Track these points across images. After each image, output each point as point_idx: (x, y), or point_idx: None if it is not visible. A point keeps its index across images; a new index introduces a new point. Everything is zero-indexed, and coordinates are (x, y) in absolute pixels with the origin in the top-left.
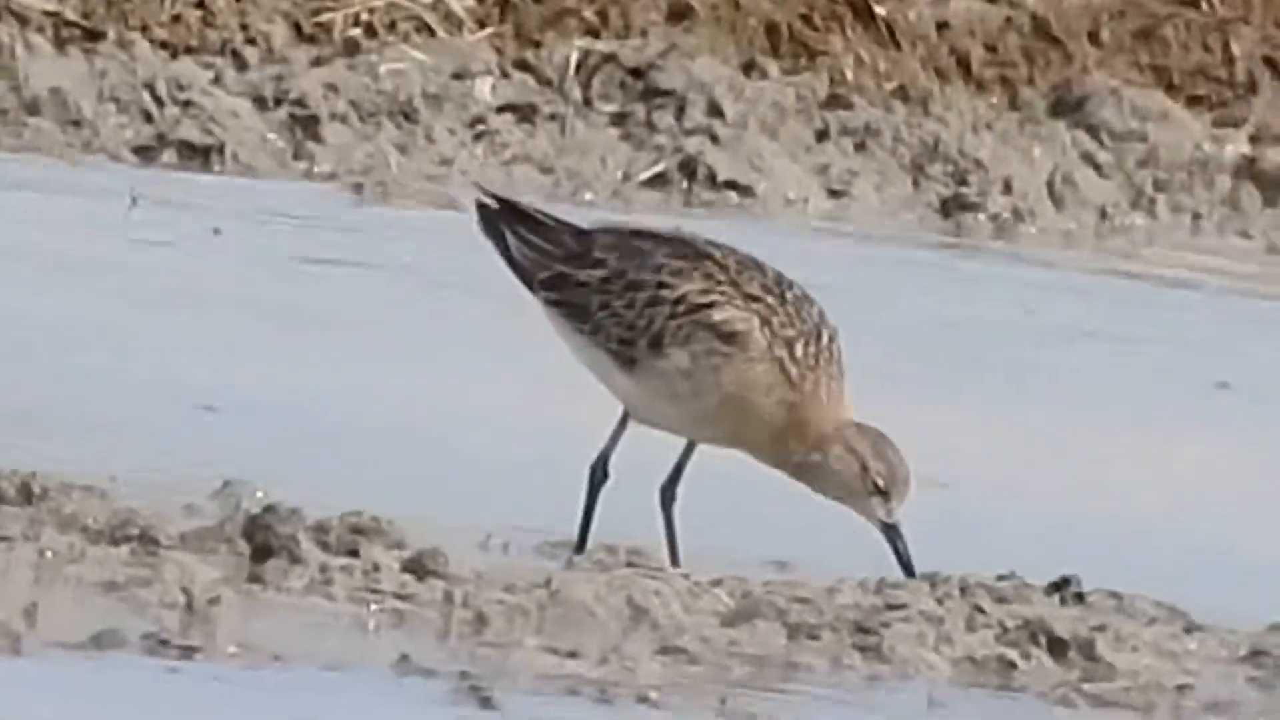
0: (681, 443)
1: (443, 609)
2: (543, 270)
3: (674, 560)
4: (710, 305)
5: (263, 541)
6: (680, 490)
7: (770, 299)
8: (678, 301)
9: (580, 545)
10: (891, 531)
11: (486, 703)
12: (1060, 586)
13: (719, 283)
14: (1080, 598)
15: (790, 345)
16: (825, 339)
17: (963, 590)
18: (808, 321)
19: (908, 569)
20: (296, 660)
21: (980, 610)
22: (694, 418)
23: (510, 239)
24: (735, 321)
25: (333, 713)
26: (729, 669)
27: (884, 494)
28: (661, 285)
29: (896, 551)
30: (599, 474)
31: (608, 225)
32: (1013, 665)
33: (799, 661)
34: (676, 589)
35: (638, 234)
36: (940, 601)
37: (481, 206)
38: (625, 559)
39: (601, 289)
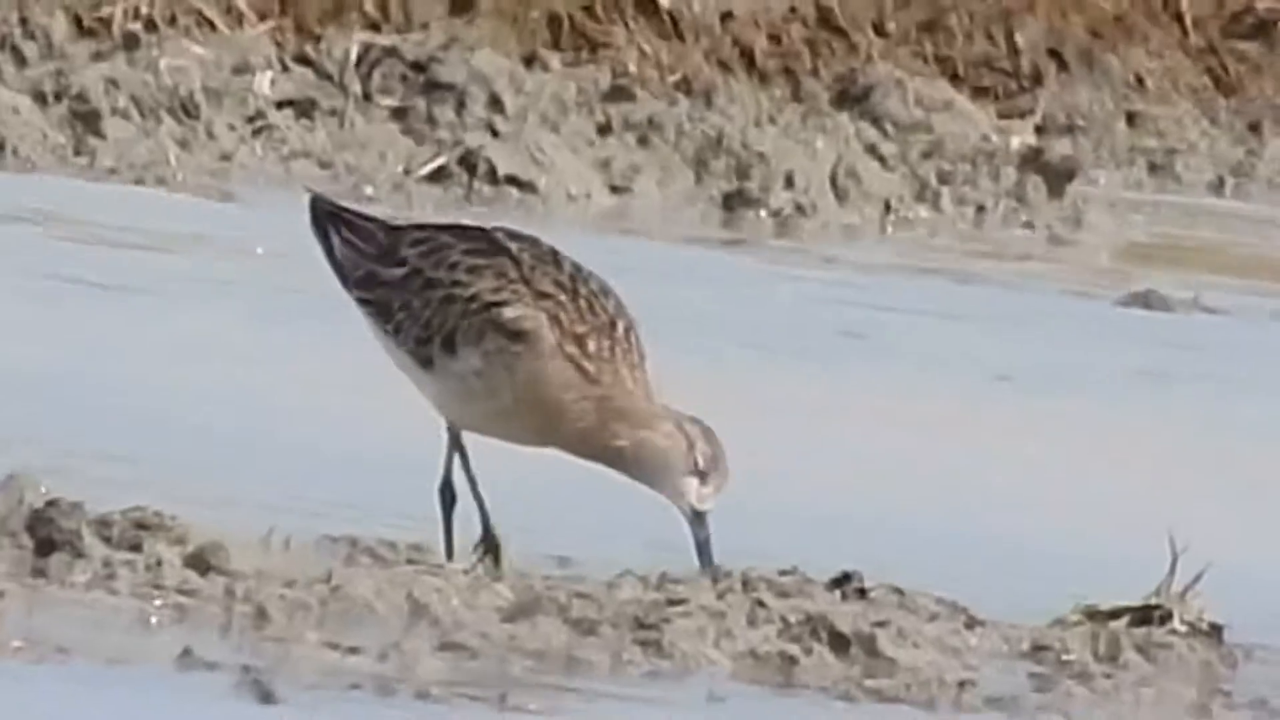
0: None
1: (224, 604)
2: (356, 269)
3: (448, 548)
4: (501, 304)
5: (46, 536)
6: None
7: (562, 296)
8: (470, 300)
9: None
10: (699, 520)
11: (268, 697)
12: (842, 582)
13: (511, 280)
14: (862, 593)
15: (581, 341)
16: (620, 330)
17: (745, 585)
18: (600, 315)
19: (707, 561)
20: (80, 654)
21: (762, 605)
22: (493, 416)
23: (334, 239)
24: (523, 320)
25: (116, 707)
26: (509, 664)
27: (703, 477)
28: (456, 284)
29: (698, 541)
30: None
31: (424, 222)
32: (794, 661)
33: (579, 657)
34: (457, 585)
35: (446, 229)
36: (722, 596)
37: (314, 204)
38: (406, 555)
39: (402, 287)
